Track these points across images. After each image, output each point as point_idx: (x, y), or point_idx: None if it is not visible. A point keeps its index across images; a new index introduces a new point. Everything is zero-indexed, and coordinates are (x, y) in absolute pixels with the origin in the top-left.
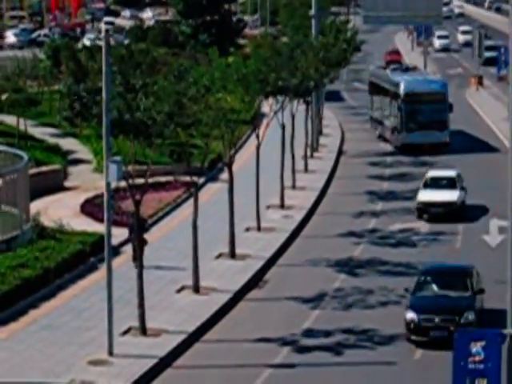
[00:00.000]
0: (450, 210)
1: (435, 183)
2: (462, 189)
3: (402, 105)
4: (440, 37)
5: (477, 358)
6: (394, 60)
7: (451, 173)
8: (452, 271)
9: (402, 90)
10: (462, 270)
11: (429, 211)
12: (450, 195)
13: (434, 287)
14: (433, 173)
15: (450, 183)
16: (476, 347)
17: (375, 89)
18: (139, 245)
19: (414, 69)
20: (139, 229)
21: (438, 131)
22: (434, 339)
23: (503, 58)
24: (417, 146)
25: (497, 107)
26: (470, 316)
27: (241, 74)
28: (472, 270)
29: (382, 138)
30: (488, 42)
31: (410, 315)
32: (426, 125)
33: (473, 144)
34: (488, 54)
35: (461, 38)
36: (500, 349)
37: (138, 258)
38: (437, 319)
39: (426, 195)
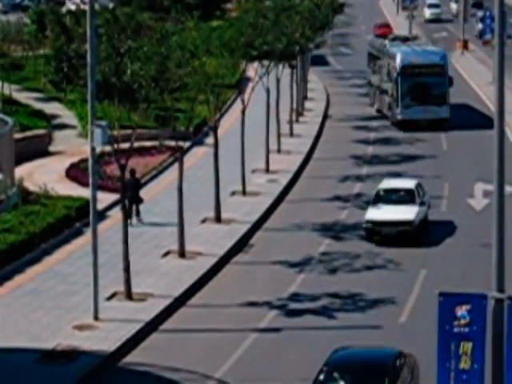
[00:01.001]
0: (406, 231)
1: (388, 197)
2: (423, 204)
3: (398, 78)
4: (431, 5)
5: (462, 322)
6: (384, 34)
7: (409, 184)
8: (365, 365)
9: (398, 62)
10: (378, 365)
11: (380, 232)
12: (406, 212)
13: None
14: (386, 183)
15: (407, 197)
16: (461, 311)
17: (373, 60)
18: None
19: (415, 38)
20: (135, 187)
21: (436, 106)
22: None
23: (487, 22)
24: (414, 123)
25: (482, 71)
26: None
27: (224, 38)
28: (392, 361)
29: (380, 112)
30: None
31: None
32: (423, 100)
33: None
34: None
35: (454, 7)
36: (485, 312)
37: (129, 216)
38: None
39: (377, 212)
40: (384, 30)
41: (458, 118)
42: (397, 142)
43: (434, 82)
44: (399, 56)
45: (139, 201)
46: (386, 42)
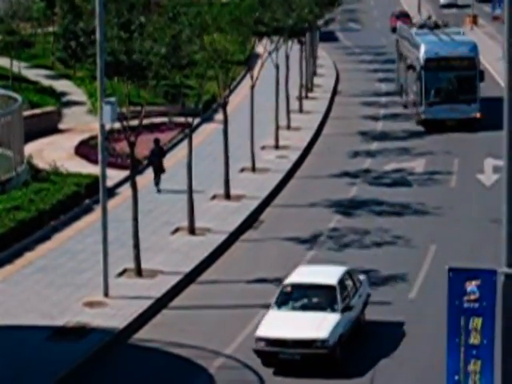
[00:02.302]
0: (315, 355)
1: (296, 298)
2: (349, 309)
3: (422, 72)
4: None
5: (472, 297)
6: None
7: (329, 279)
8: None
9: (421, 53)
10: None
11: (276, 355)
12: (316, 327)
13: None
14: (297, 275)
15: (323, 300)
16: (471, 286)
17: (400, 50)
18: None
19: (446, 26)
20: (159, 156)
21: (465, 105)
22: None
23: None
24: (440, 123)
25: (492, 47)
26: None
27: (234, 15)
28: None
29: (406, 109)
30: None
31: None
32: (450, 97)
33: None
34: None
35: None
36: (495, 287)
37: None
38: None
39: (274, 324)
40: (402, 21)
41: None
42: (406, 118)
43: (463, 77)
44: (423, 47)
45: (162, 170)
46: (413, 29)
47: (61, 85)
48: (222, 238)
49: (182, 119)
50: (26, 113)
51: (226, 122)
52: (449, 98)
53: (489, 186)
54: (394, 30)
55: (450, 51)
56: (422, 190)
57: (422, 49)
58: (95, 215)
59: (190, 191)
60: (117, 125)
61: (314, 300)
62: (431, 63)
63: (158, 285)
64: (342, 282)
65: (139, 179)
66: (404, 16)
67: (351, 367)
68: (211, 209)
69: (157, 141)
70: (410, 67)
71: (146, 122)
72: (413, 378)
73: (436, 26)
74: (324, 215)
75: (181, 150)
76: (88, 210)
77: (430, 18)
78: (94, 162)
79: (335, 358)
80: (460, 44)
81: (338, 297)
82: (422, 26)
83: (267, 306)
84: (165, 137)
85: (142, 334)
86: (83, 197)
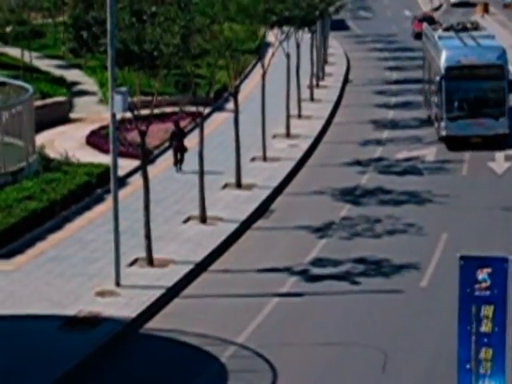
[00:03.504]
0: None
1: None
2: None
3: (443, 82)
4: None
5: (483, 285)
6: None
7: None
8: None
9: (442, 61)
10: None
11: None
12: None
13: None
14: None
15: None
16: (482, 274)
17: (424, 55)
18: (177, 152)
19: (476, 28)
20: (180, 137)
21: (492, 119)
22: None
23: None
24: (464, 140)
25: (503, 34)
26: None
27: (243, 4)
28: None
29: (430, 121)
30: None
31: None
32: (475, 111)
33: None
34: None
35: None
36: (506, 275)
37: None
38: None
39: None
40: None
41: None
42: (418, 106)
43: (490, 88)
44: (444, 53)
45: (184, 150)
46: (438, 31)
47: (72, 75)
48: (233, 226)
49: (193, 108)
50: (37, 103)
51: (236, 111)
52: (473, 111)
53: (500, 174)
54: (417, 35)
55: (475, 58)
56: (433, 178)
57: (443, 55)
58: (106, 205)
59: (202, 180)
60: (128, 114)
61: None
62: (453, 72)
63: (170, 274)
64: None
65: (150, 169)
66: (428, 20)
67: (362, 362)
68: (222, 198)
69: (177, 122)
70: (433, 75)
71: (157, 111)
72: (424, 366)
73: (463, 29)
74: (335, 204)
75: (192, 140)
76: (99, 199)
77: (459, 23)
78: (105, 151)
79: None
80: (486, 50)
81: None
82: (447, 29)
83: (278, 295)
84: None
85: (154, 324)
86: (94, 186)
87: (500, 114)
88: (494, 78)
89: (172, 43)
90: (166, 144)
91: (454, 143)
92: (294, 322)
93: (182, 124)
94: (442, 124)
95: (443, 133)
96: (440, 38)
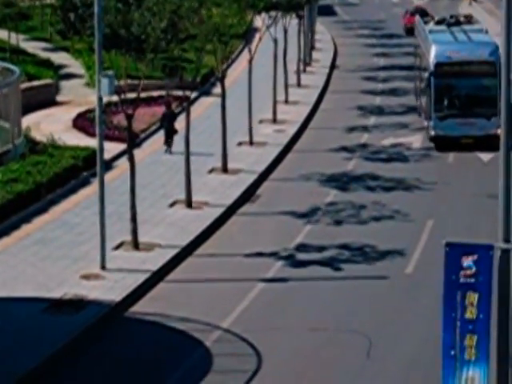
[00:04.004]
0: None
1: None
2: None
3: (432, 79)
4: None
5: (468, 272)
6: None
7: None
8: None
9: (431, 57)
10: None
11: None
12: None
13: None
14: None
15: None
16: (467, 261)
17: (416, 51)
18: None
19: (469, 22)
20: (170, 119)
21: (484, 119)
22: None
23: None
24: (453, 141)
25: (491, 22)
26: None
27: None
28: None
29: (420, 117)
30: None
31: None
32: (466, 109)
33: None
34: None
35: None
36: (492, 263)
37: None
38: None
39: None
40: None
41: None
42: (404, 93)
43: (481, 86)
44: (434, 49)
45: (174, 132)
46: (429, 25)
47: (59, 57)
48: (219, 211)
49: (179, 93)
50: (24, 85)
51: (223, 95)
52: (464, 110)
53: (486, 162)
54: (409, 31)
55: (466, 54)
56: (419, 165)
57: (433, 51)
58: (92, 188)
59: (188, 165)
60: (114, 98)
61: None
62: (443, 68)
63: (155, 258)
64: None
65: (136, 152)
66: (421, 13)
67: (347, 348)
68: (209, 182)
69: (168, 104)
70: (423, 71)
71: (143, 95)
72: (408, 352)
73: (456, 23)
74: (321, 189)
75: (179, 124)
76: (85, 182)
77: (453, 16)
78: (92, 134)
79: None
80: (478, 45)
81: None
82: (439, 22)
83: (264, 280)
84: (162, 110)
85: (139, 307)
86: (80, 169)
87: (492, 114)
88: (486, 75)
89: (159, 27)
90: (157, 125)
91: (443, 144)
92: (279, 307)
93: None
94: (431, 123)
95: (432, 133)
96: (431, 32)
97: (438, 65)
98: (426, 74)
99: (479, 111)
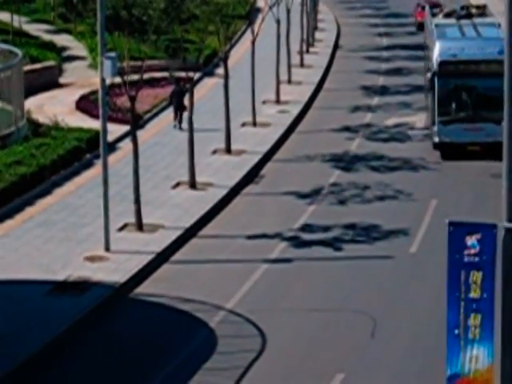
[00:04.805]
0: None
1: None
2: None
3: (435, 79)
4: None
5: (472, 251)
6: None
7: None
8: None
9: (436, 54)
10: None
11: None
12: None
13: None
14: None
15: None
16: (471, 240)
17: (425, 44)
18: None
19: (483, 13)
20: (179, 95)
21: (493, 124)
22: None
23: None
24: (459, 148)
25: (494, 1)
26: None
27: None
28: None
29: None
30: None
31: None
32: (473, 113)
33: None
34: None
35: None
36: (495, 242)
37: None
38: None
39: None
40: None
41: None
42: (408, 73)
43: (490, 87)
44: (438, 45)
45: (183, 108)
46: (438, 17)
47: (61, 39)
48: (222, 192)
49: (182, 74)
50: (27, 67)
51: (226, 76)
52: (471, 114)
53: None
54: (420, 26)
55: (473, 52)
56: (422, 144)
57: (437, 48)
58: (96, 170)
59: (191, 146)
60: (117, 79)
61: None
62: (447, 68)
63: (159, 239)
64: None
65: (140, 134)
66: (434, 6)
67: (351, 328)
68: (212, 163)
69: (178, 81)
70: (427, 70)
71: (146, 76)
72: (413, 331)
73: (467, 15)
74: (325, 170)
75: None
76: (89, 164)
77: (464, 7)
78: (95, 116)
79: None
80: (487, 42)
81: None
82: (448, 15)
83: (268, 261)
84: (165, 91)
85: (143, 289)
86: (84, 151)
87: (502, 118)
88: (495, 75)
89: (160, 8)
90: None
91: (448, 151)
92: (283, 288)
93: (172, 89)
94: (435, 129)
95: (435, 139)
96: (437, 26)
97: (442, 63)
98: (429, 74)
99: (488, 115)
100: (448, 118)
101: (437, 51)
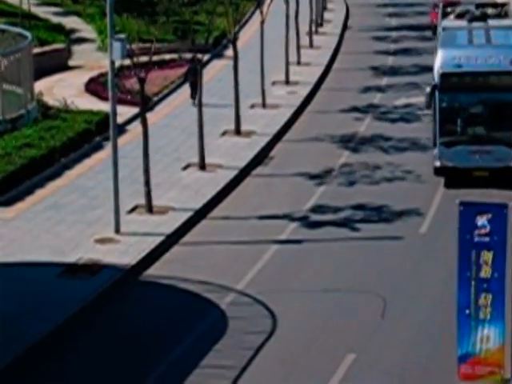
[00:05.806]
0: None
1: None
2: None
3: (437, 93)
4: None
5: (482, 231)
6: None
7: None
8: None
9: (437, 64)
10: None
11: None
12: None
13: None
14: None
15: None
16: (482, 220)
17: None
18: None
19: (502, 14)
20: (195, 73)
21: (502, 146)
22: None
23: None
24: (463, 173)
25: None
26: None
27: None
28: None
29: None
30: None
31: None
32: (480, 134)
33: None
34: None
35: None
36: (506, 222)
37: (194, 97)
38: None
39: None
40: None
41: None
42: (417, 53)
43: (500, 104)
44: (440, 54)
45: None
46: (448, 19)
47: (70, 22)
48: (232, 173)
49: (191, 55)
50: (36, 50)
51: (236, 57)
52: (477, 135)
53: None
54: (435, 29)
55: (479, 63)
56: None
57: (439, 57)
58: (106, 152)
59: (201, 127)
60: (127, 61)
61: None
62: (450, 80)
63: (169, 221)
64: None
65: (149, 116)
66: (451, 5)
67: (361, 309)
68: (222, 145)
69: (193, 59)
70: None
71: (155, 58)
72: (424, 312)
73: (482, 17)
74: (334, 151)
75: None
76: (98, 147)
77: (479, 5)
78: (104, 98)
79: None
80: (498, 50)
81: None
82: (461, 15)
83: (278, 242)
84: (174, 73)
85: (154, 271)
86: (93, 134)
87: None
88: (506, 89)
89: None
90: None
91: (451, 176)
92: (293, 269)
93: (181, 71)
94: (436, 151)
95: (437, 163)
96: (444, 29)
97: (444, 75)
98: (429, 88)
99: (497, 136)
100: (451, 139)
101: (439, 61)
